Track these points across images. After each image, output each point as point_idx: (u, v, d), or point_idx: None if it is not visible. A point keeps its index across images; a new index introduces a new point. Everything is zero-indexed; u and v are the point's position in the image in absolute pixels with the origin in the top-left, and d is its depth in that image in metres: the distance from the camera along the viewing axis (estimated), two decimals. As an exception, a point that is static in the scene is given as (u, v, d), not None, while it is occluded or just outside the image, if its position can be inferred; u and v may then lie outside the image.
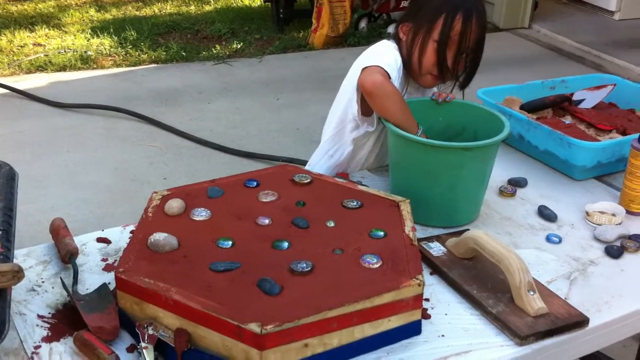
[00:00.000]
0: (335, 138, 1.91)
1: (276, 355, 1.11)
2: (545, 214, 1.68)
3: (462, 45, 1.75)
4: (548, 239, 1.59)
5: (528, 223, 1.66)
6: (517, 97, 2.12)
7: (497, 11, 6.60)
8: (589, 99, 2.15)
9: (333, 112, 1.92)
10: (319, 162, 1.94)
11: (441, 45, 1.75)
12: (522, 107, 2.07)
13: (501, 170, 1.82)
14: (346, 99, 1.82)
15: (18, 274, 1.05)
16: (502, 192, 1.78)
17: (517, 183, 1.82)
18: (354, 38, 5.96)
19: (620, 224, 1.64)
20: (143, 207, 1.41)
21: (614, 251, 1.54)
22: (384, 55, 1.76)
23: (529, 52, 6.03)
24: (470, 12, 1.73)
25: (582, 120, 2.05)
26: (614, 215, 1.66)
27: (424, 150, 1.56)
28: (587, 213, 1.67)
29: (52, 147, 4.04)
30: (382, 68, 1.68)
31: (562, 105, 2.12)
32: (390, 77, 1.68)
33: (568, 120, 2.07)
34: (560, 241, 1.58)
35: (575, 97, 2.15)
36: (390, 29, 6.02)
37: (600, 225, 1.63)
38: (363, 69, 1.69)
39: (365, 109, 1.77)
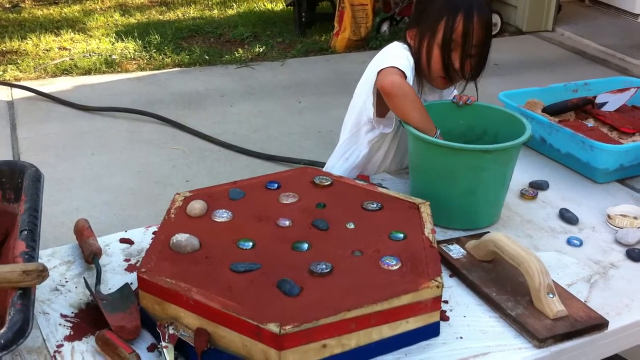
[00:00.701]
0: (351, 141, 1.92)
1: (295, 355, 1.12)
2: (567, 216, 1.67)
3: (466, 46, 1.74)
4: (569, 242, 1.58)
5: (549, 226, 1.65)
6: (539, 100, 2.11)
7: (520, 14, 6.57)
8: (612, 102, 2.14)
9: (349, 115, 1.93)
10: (335, 165, 1.95)
11: (445, 49, 1.75)
12: (545, 110, 2.06)
13: (523, 173, 1.82)
14: (361, 101, 1.83)
15: (42, 273, 1.06)
16: (523, 194, 1.78)
17: (538, 186, 1.82)
18: (376, 41, 5.96)
19: (642, 227, 1.63)
20: (165, 210, 1.43)
21: (635, 254, 1.53)
22: (397, 56, 1.76)
23: (553, 55, 5.99)
24: (471, 11, 1.72)
25: (604, 123, 2.04)
26: (635, 218, 1.65)
27: (444, 153, 1.56)
28: (608, 216, 1.67)
29: (77, 149, 4.09)
30: (398, 69, 1.69)
31: (584, 108, 2.11)
32: (406, 77, 1.69)
33: (591, 123, 2.06)
34: (581, 244, 1.58)
35: (598, 100, 2.14)
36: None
37: (621, 228, 1.62)
38: (379, 72, 1.70)
39: (380, 111, 1.78)
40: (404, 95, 1.65)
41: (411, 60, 1.78)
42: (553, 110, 2.07)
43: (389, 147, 1.91)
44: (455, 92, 1.92)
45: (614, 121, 2.03)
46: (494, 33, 7.15)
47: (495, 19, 6.46)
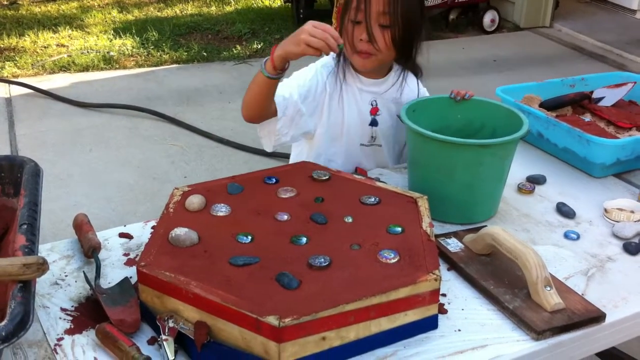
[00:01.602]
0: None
1: (294, 348, 1.13)
2: (564, 210, 1.68)
3: (368, 12, 1.68)
4: (566, 235, 1.59)
5: (546, 220, 1.66)
6: (536, 95, 2.12)
7: (518, 10, 6.58)
8: (609, 97, 2.15)
9: None
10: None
11: (348, 20, 1.72)
12: (542, 105, 2.07)
13: (520, 168, 1.83)
14: None
15: (42, 266, 1.07)
16: (520, 189, 1.78)
17: (535, 180, 1.83)
18: (374, 38, 5.96)
19: (638, 220, 1.64)
20: (164, 205, 1.43)
21: (632, 248, 1.54)
22: (290, 78, 1.77)
23: (550, 51, 6.00)
24: None
25: (601, 118, 2.05)
26: (632, 212, 1.66)
27: (442, 147, 1.57)
28: (605, 210, 1.67)
29: (75, 146, 4.10)
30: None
31: (581, 103, 2.12)
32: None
33: (588, 118, 2.06)
34: (578, 238, 1.58)
35: (595, 95, 2.14)
36: (411, 29, 6.01)
37: (618, 222, 1.63)
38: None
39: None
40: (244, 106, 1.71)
41: (313, 76, 1.79)
42: (550, 105, 2.07)
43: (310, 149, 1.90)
44: (392, 79, 1.88)
45: (610, 116, 2.04)
46: (492, 29, 7.12)
47: (493, 14, 6.47)
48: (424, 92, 1.96)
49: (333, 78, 1.83)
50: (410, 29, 1.74)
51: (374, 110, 1.87)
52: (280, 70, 1.57)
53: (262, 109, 1.69)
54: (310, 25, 1.50)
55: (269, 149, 1.84)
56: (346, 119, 1.85)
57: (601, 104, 2.13)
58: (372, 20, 1.69)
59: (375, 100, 1.86)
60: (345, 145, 1.88)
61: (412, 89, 1.91)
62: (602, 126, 2.01)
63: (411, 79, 1.91)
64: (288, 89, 1.73)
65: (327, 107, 1.83)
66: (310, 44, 1.49)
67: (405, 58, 1.83)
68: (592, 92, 2.14)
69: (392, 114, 1.88)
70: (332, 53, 1.65)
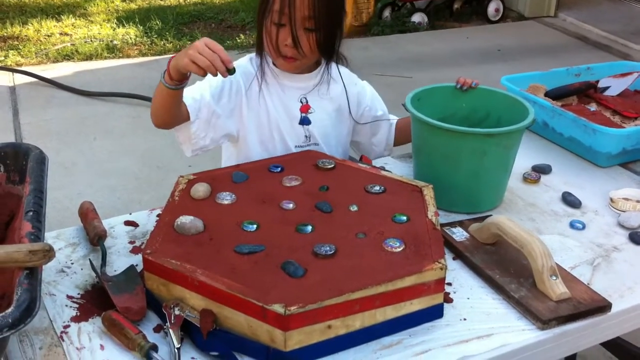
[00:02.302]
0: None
1: (300, 336, 1.13)
2: (569, 200, 1.68)
3: (293, 17, 1.58)
4: (572, 225, 1.59)
5: (552, 209, 1.66)
6: (541, 84, 2.11)
7: (523, 0, 6.56)
8: (615, 86, 2.14)
9: None
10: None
11: (270, 23, 1.62)
12: (547, 95, 2.07)
13: (525, 157, 1.82)
14: None
15: (49, 253, 1.07)
16: (526, 178, 1.78)
17: (541, 170, 1.82)
18: (378, 27, 5.95)
19: (644, 210, 1.64)
20: (169, 194, 1.43)
21: (638, 237, 1.53)
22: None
23: (555, 41, 5.98)
24: None
25: (607, 108, 2.04)
26: (638, 201, 1.65)
27: (447, 136, 1.56)
28: (611, 199, 1.67)
29: (79, 135, 4.09)
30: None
31: (587, 92, 2.12)
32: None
33: (593, 107, 2.06)
34: (584, 227, 1.58)
35: (600, 85, 2.14)
36: (415, 18, 6.00)
37: (624, 211, 1.63)
38: None
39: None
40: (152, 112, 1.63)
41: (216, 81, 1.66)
42: (555, 94, 2.07)
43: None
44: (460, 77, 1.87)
45: (616, 105, 2.03)
46: (496, 18, 7.10)
47: (498, 4, 6.45)
48: (350, 77, 1.85)
49: (248, 77, 1.73)
50: (334, 29, 1.67)
51: (305, 108, 1.76)
52: (178, 81, 1.48)
53: (170, 115, 1.61)
54: (201, 42, 1.40)
55: (188, 154, 1.76)
56: (272, 118, 1.74)
57: (607, 93, 2.12)
58: (297, 24, 1.60)
59: (305, 98, 1.76)
60: (279, 147, 1.76)
61: (336, 79, 1.80)
62: (608, 116, 2.00)
63: (334, 70, 1.80)
64: (199, 90, 1.64)
65: (245, 107, 1.73)
66: (195, 61, 1.38)
67: (329, 55, 1.73)
68: (597, 82, 2.14)
69: (328, 110, 1.79)
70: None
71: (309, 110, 1.76)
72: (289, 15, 1.58)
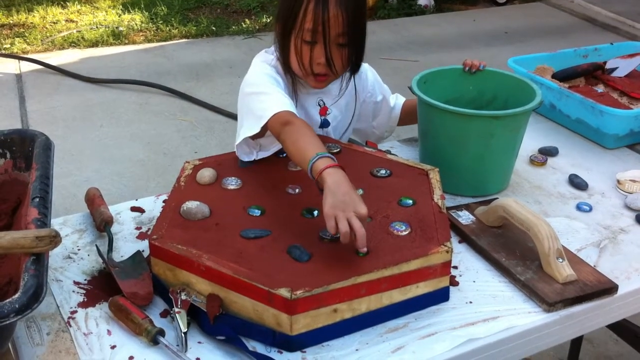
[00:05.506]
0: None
1: (306, 320, 1.13)
2: (576, 182, 1.67)
3: (327, 35, 1.51)
4: (578, 207, 1.58)
5: (558, 192, 1.65)
6: (548, 66, 2.10)
7: (530, -19, 6.51)
8: (622, 67, 2.12)
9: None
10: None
11: (301, 41, 1.54)
12: (554, 76, 2.05)
13: (532, 139, 1.81)
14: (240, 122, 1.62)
15: (55, 238, 1.07)
16: (532, 161, 1.77)
17: (548, 152, 1.81)
18: (384, 11, 5.92)
19: (652, 192, 1.63)
20: (175, 180, 1.43)
21: (645, 219, 1.53)
22: (259, 84, 1.58)
23: (563, 22, 5.94)
24: None
25: (615, 89, 2.03)
26: (645, 183, 1.65)
27: (454, 119, 1.56)
28: (618, 181, 1.66)
29: (86, 121, 4.10)
30: (287, 111, 1.48)
31: (594, 73, 2.10)
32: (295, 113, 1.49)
33: (601, 88, 2.04)
34: (590, 209, 1.58)
35: (608, 66, 2.12)
36: (421, 1, 5.96)
37: (631, 193, 1.62)
38: (271, 118, 1.46)
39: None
40: (297, 131, 1.42)
41: (272, 72, 1.61)
42: (563, 76, 2.05)
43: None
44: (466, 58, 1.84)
45: (624, 86, 2.02)
46: (503, 0, 7.03)
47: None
48: (368, 72, 1.82)
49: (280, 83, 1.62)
50: (363, 42, 1.61)
51: (323, 111, 1.72)
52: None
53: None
54: (364, 210, 1.21)
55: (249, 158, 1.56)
56: None
57: (614, 74, 2.11)
58: (330, 41, 1.53)
59: (322, 100, 1.72)
60: None
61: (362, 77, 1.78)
62: (616, 97, 1.99)
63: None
64: (282, 96, 1.55)
65: None
66: (340, 222, 1.19)
67: (356, 69, 1.67)
68: (605, 63, 2.12)
69: (341, 106, 1.75)
70: (272, 74, 1.56)
71: (327, 112, 1.74)
72: (322, 33, 1.51)
